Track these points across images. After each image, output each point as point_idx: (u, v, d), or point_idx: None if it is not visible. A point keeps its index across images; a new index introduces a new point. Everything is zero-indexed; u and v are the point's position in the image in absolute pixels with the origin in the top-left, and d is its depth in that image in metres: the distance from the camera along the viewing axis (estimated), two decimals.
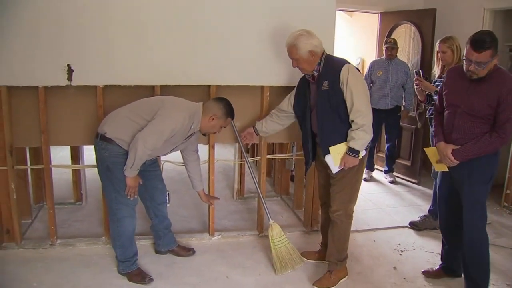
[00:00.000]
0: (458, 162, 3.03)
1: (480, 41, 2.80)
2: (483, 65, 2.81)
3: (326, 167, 3.31)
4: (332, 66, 3.12)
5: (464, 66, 2.92)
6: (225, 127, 3.42)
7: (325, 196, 3.50)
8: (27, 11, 3.24)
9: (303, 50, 3.09)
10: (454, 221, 3.24)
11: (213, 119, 3.24)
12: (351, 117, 3.05)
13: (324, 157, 3.22)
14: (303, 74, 3.31)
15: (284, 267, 3.54)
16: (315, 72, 3.18)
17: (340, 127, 3.14)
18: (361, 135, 3.04)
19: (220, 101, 3.31)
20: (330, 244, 3.42)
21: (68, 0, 3.28)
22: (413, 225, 4.44)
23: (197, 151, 3.59)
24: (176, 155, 3.55)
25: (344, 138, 3.13)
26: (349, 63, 3.12)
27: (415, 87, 4.47)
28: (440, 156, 3.15)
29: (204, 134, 3.47)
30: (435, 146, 3.23)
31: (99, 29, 3.37)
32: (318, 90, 3.15)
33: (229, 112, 3.32)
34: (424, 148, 3.37)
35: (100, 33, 3.37)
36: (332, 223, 3.38)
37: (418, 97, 4.54)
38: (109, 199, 3.26)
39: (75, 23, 3.32)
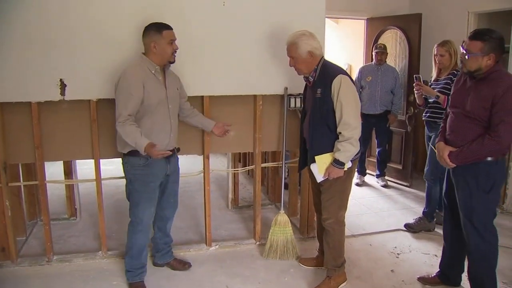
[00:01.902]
0: (454, 165, 3.00)
1: (478, 32, 2.85)
2: (470, 55, 2.82)
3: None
4: (326, 74, 3.11)
5: None
6: (173, 39, 3.16)
7: (319, 204, 3.49)
8: (18, 27, 3.23)
9: (302, 50, 3.10)
10: (457, 231, 3.17)
11: (154, 46, 3.10)
12: (339, 129, 3.06)
13: (308, 165, 3.30)
14: (301, 80, 3.34)
15: (273, 253, 3.77)
16: (311, 77, 3.19)
17: (329, 137, 3.14)
18: (347, 148, 3.05)
19: (146, 29, 3.13)
20: (326, 252, 3.42)
21: (59, 15, 3.28)
22: (409, 228, 4.47)
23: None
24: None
25: (331, 147, 3.13)
26: (344, 73, 3.10)
27: (415, 92, 4.46)
28: (438, 157, 3.14)
29: (171, 62, 3.23)
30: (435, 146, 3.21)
31: (91, 43, 3.36)
32: (313, 97, 3.17)
33: (158, 27, 3.11)
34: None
35: (92, 47, 3.37)
36: (325, 232, 3.39)
37: (417, 101, 4.54)
38: (129, 212, 3.34)
39: (67, 38, 3.31)
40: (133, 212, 3.31)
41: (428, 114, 4.42)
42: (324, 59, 3.21)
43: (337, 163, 3.07)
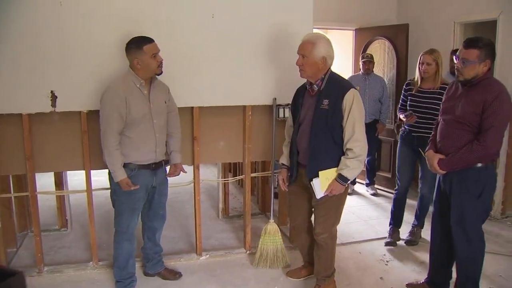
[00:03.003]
0: (444, 172, 3.05)
1: (472, 39, 2.89)
2: (467, 63, 2.85)
3: (305, 188, 3.25)
4: (336, 86, 3.03)
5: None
6: (156, 52, 3.13)
7: (300, 218, 3.45)
8: (9, 39, 3.26)
9: (317, 52, 2.99)
10: (446, 238, 3.21)
11: (138, 63, 3.09)
12: (349, 145, 2.97)
13: (309, 179, 3.11)
14: (299, 86, 3.30)
15: (263, 262, 3.80)
16: (315, 86, 3.08)
17: (333, 151, 3.05)
18: (356, 165, 2.99)
19: (127, 46, 3.12)
20: (317, 264, 3.42)
21: (50, 28, 3.31)
22: (410, 243, 4.36)
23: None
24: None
25: (334, 162, 3.05)
26: (354, 87, 3.04)
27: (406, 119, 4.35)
28: (428, 165, 3.17)
29: (158, 74, 3.22)
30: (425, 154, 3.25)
31: (81, 55, 3.39)
32: (317, 107, 3.04)
33: (138, 42, 3.09)
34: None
35: (82, 59, 3.40)
36: (317, 245, 3.35)
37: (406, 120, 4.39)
38: (114, 221, 3.37)
39: (57, 50, 3.34)
40: (118, 222, 3.34)
41: (421, 130, 4.13)
42: (331, 71, 3.11)
43: (342, 179, 3.01)
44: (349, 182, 3.08)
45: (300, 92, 3.26)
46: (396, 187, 4.45)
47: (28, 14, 3.27)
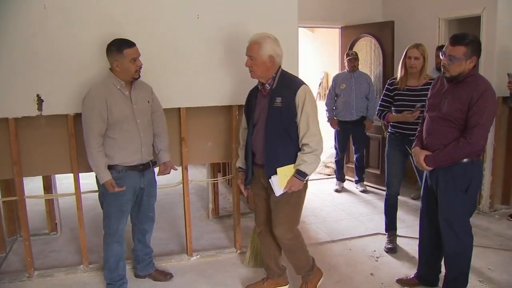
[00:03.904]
0: (430, 168, 3.07)
1: (458, 36, 2.89)
2: (454, 60, 2.86)
3: (264, 188, 3.20)
4: (287, 84, 3.02)
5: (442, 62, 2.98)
6: (136, 57, 3.12)
7: (265, 221, 3.32)
8: None
9: (264, 52, 2.97)
10: (434, 234, 3.24)
11: (117, 65, 3.10)
12: (304, 140, 2.95)
13: (267, 178, 3.05)
14: (253, 87, 3.26)
15: (253, 261, 3.80)
16: (267, 85, 3.06)
17: (289, 148, 3.02)
18: (313, 159, 2.97)
19: (108, 48, 3.12)
20: (294, 265, 3.34)
21: (36, 31, 3.30)
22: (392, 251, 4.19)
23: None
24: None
25: (291, 159, 3.02)
26: (305, 84, 3.04)
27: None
28: (415, 161, 3.19)
29: (135, 78, 3.20)
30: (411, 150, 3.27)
31: (67, 58, 3.38)
32: (270, 106, 3.01)
33: (119, 45, 3.09)
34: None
35: (68, 61, 3.39)
36: (285, 249, 3.26)
37: None
38: (103, 223, 3.37)
39: (43, 52, 3.33)
40: (106, 224, 3.35)
41: (412, 132, 3.70)
42: (282, 69, 3.10)
43: (300, 175, 2.97)
44: (307, 177, 3.03)
45: (253, 93, 3.23)
46: (387, 191, 4.26)
47: (12, 17, 3.25)
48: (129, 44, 3.12)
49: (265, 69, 3.02)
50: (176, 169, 3.64)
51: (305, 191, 3.20)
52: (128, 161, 3.24)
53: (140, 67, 3.19)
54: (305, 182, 3.07)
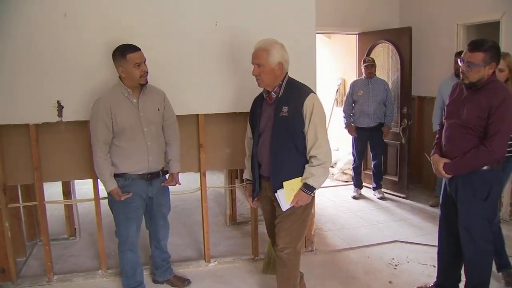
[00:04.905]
0: (449, 176, 3.03)
1: (476, 42, 2.85)
2: (472, 66, 2.82)
3: (270, 201, 3.09)
4: (295, 92, 2.89)
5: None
6: (140, 62, 3.09)
7: (274, 234, 3.15)
8: (16, 50, 3.30)
9: (273, 58, 2.84)
10: (453, 242, 3.20)
11: (122, 71, 3.09)
12: (312, 152, 2.82)
13: (273, 191, 2.92)
14: (257, 95, 3.16)
15: (271, 268, 3.73)
16: (273, 93, 2.93)
17: (296, 159, 2.88)
18: (321, 172, 2.83)
19: (113, 53, 3.11)
20: (281, 283, 3.14)
21: (54, 39, 3.35)
22: None
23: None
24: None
25: (299, 172, 2.88)
26: (313, 92, 2.92)
27: None
28: (434, 169, 3.16)
29: (143, 84, 3.17)
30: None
31: (87, 65, 3.42)
32: (276, 115, 2.88)
33: (123, 50, 3.07)
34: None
35: (88, 68, 3.43)
36: (279, 262, 3.09)
37: None
38: (115, 231, 3.39)
39: (63, 60, 3.38)
40: (117, 232, 3.36)
41: None
42: (289, 76, 2.98)
43: (308, 189, 2.85)
44: (315, 191, 2.92)
45: (258, 102, 3.10)
46: None
47: (35, 25, 3.31)
48: (133, 48, 3.09)
49: (273, 77, 2.90)
50: (180, 184, 3.51)
51: (311, 207, 3.10)
52: (134, 170, 3.22)
53: (145, 73, 3.15)
54: (312, 196, 2.96)
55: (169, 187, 3.53)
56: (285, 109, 2.84)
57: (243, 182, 3.43)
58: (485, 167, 2.92)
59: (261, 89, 3.09)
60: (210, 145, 3.86)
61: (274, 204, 3.04)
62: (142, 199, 3.32)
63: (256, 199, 3.19)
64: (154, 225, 3.53)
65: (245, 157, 3.32)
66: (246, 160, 3.30)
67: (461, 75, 2.95)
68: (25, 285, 3.70)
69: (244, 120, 3.85)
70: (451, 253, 3.30)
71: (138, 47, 3.11)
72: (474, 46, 2.85)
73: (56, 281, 3.75)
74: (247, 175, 3.28)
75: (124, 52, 3.06)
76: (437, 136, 3.28)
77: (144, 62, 3.14)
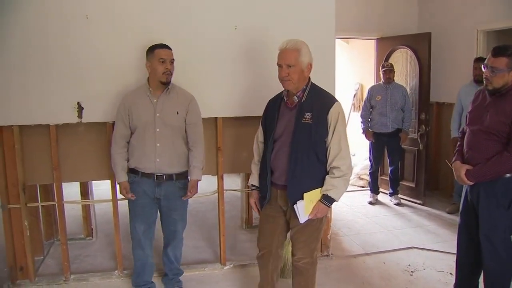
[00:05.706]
0: (471, 183, 2.98)
1: (500, 47, 2.84)
2: (496, 72, 2.81)
3: (282, 211, 2.91)
4: (319, 98, 2.76)
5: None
6: (165, 59, 3.12)
7: (272, 245, 3.01)
8: (36, 51, 3.35)
9: (304, 59, 2.71)
10: (472, 249, 3.15)
11: (149, 65, 3.17)
12: (335, 163, 2.69)
13: (290, 203, 2.77)
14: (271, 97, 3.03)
15: (287, 272, 3.73)
16: (296, 97, 2.77)
17: (316, 169, 2.74)
18: (342, 184, 2.72)
19: (146, 52, 3.20)
20: None
21: (77, 41, 3.39)
22: None
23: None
24: None
25: (318, 182, 2.75)
26: (337, 100, 2.79)
27: None
28: (455, 176, 3.11)
29: (165, 83, 3.18)
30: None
31: (107, 66, 3.47)
32: (298, 121, 2.73)
33: (155, 45, 3.15)
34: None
35: (108, 70, 3.47)
36: (296, 272, 3.01)
37: None
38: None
39: (84, 61, 3.42)
40: (130, 228, 3.45)
41: None
42: (312, 81, 2.84)
43: (328, 201, 2.72)
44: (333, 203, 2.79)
45: (274, 105, 2.93)
46: None
47: (56, 27, 3.35)
48: (162, 45, 3.17)
49: (302, 79, 2.74)
50: (191, 196, 3.37)
51: (326, 217, 3.01)
52: (141, 168, 3.26)
53: (169, 71, 3.16)
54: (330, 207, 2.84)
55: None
56: (308, 115, 2.71)
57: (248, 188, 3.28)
58: (508, 175, 2.87)
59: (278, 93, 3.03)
60: (227, 148, 3.87)
61: (283, 213, 2.91)
62: (149, 198, 3.33)
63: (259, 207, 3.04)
64: (164, 229, 3.52)
65: (252, 161, 3.13)
66: (253, 164, 3.11)
67: (484, 81, 2.93)
68: (42, 283, 3.73)
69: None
70: (469, 261, 3.25)
71: (168, 46, 3.20)
72: (498, 51, 2.84)
73: (72, 280, 3.78)
74: (254, 181, 3.07)
75: (154, 48, 3.15)
76: (458, 143, 3.24)
77: (171, 62, 3.18)
